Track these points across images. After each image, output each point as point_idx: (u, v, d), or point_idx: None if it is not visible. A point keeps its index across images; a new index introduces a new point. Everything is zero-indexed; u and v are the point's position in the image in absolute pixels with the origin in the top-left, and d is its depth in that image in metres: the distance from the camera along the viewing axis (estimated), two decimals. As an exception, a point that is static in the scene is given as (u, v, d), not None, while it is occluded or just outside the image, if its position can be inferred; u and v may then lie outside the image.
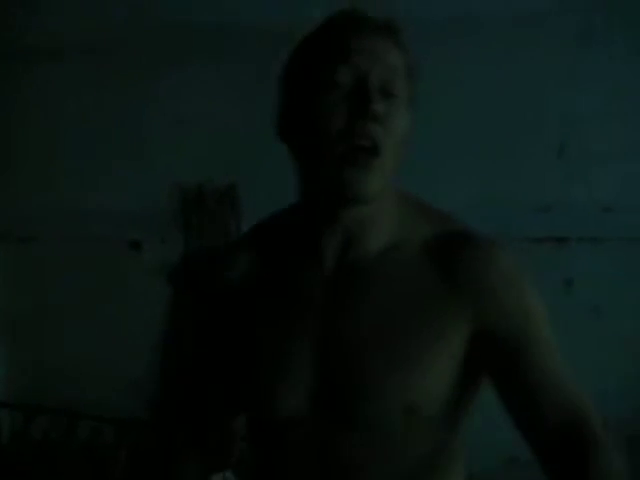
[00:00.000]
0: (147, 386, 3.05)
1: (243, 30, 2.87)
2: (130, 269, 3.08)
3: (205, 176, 2.97)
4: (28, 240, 3.24)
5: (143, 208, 3.00)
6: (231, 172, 2.96)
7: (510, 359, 1.10)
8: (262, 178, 2.93)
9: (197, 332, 1.33)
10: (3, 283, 3.27)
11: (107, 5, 2.98)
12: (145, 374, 3.06)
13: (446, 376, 1.11)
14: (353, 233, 1.14)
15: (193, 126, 2.97)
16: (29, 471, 2.92)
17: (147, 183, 3.00)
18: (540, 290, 1.14)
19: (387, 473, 1.14)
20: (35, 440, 3.02)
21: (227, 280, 1.24)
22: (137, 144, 3.02)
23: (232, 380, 1.24)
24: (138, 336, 3.00)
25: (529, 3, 2.69)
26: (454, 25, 2.68)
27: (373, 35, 1.11)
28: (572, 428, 1.08)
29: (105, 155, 3.07)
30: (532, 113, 2.70)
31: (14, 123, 3.24)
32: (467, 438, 1.22)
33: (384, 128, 1.07)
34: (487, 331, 1.10)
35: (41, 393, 3.11)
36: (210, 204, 2.98)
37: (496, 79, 2.71)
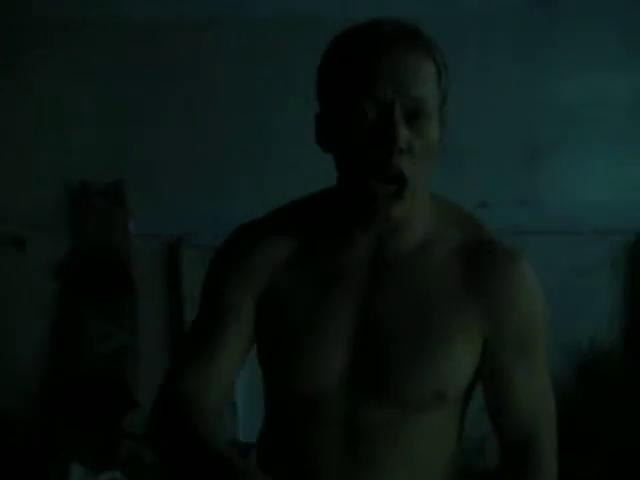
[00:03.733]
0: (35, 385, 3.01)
1: (126, 23, 2.87)
2: (14, 268, 3.02)
3: (91, 172, 2.95)
4: None
5: (28, 205, 2.95)
6: (118, 168, 2.95)
7: (502, 364, 1.24)
8: (149, 174, 2.94)
9: (238, 288, 1.29)
10: None
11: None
12: (32, 373, 3.02)
13: (468, 366, 1.23)
14: (386, 234, 1.21)
15: (78, 121, 2.94)
16: None
17: (32, 180, 2.95)
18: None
19: (406, 449, 1.25)
20: None
21: (273, 251, 1.26)
22: (20, 140, 2.96)
23: (263, 349, 1.29)
24: (23, 334, 2.96)
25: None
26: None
27: (400, 54, 1.11)
28: (522, 448, 1.27)
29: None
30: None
31: None
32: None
33: (413, 155, 1.12)
34: (496, 334, 1.22)
35: None
36: (96, 201, 2.96)
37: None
